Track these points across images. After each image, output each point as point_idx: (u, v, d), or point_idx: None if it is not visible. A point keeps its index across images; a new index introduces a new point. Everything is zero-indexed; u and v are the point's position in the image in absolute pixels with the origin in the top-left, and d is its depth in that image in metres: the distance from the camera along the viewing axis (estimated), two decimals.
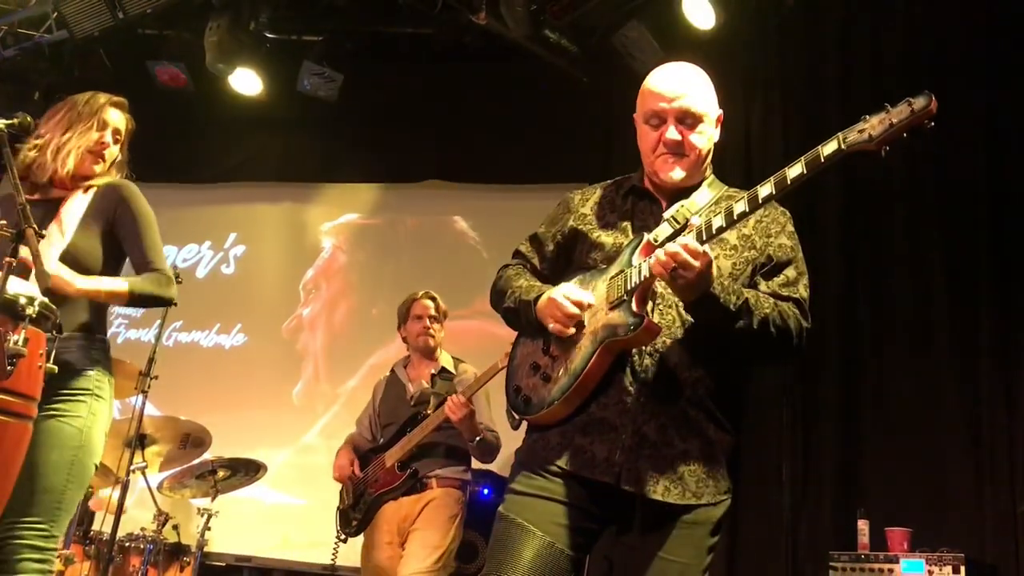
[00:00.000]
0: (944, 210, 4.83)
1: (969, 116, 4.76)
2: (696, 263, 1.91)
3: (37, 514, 2.55)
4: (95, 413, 2.69)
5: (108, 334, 2.91)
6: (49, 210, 2.81)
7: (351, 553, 4.38)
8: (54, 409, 2.59)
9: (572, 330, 2.12)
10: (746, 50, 5.50)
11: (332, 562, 4.44)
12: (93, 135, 2.85)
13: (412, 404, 4.23)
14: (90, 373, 2.71)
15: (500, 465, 5.04)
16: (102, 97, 2.93)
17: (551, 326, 2.13)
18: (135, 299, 2.79)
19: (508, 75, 6.14)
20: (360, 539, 4.19)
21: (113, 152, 2.93)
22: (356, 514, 4.14)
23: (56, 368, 2.44)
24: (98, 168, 2.88)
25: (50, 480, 2.57)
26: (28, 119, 2.61)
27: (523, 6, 5.34)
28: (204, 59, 5.83)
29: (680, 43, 5.18)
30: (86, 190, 2.85)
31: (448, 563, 3.98)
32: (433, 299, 4.40)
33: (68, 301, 2.67)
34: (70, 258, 2.70)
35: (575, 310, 2.11)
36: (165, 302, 2.90)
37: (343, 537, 4.26)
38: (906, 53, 5.06)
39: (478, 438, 3.95)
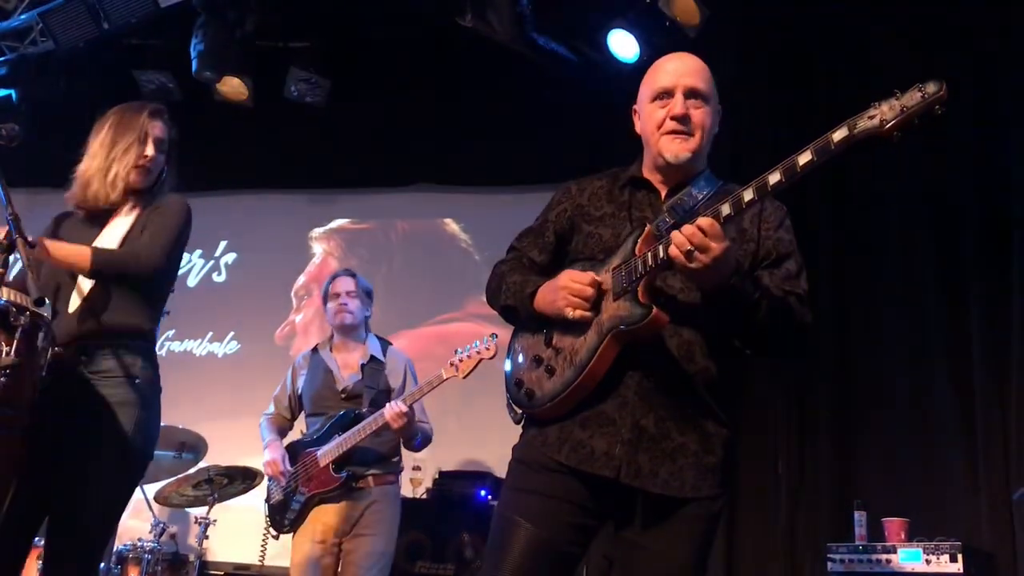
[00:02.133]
0: (934, 205, 4.85)
1: (958, 110, 4.78)
2: (714, 245, 1.89)
3: (84, 528, 2.53)
4: (140, 423, 2.62)
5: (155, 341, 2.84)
6: (94, 228, 2.81)
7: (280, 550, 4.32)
8: (99, 420, 2.56)
9: (590, 314, 2.08)
10: (732, 51, 5.52)
11: (260, 562, 4.33)
12: (135, 149, 2.82)
13: (343, 396, 4.14)
14: (137, 381, 2.66)
15: (498, 466, 5.04)
16: (142, 108, 2.91)
17: (569, 313, 2.08)
18: (98, 263, 2.63)
19: (496, 78, 6.15)
20: (285, 536, 4.16)
21: (159, 162, 2.89)
22: (289, 512, 4.06)
23: (49, 378, 2.44)
24: (145, 181, 2.85)
25: (98, 495, 2.55)
26: (16, 129, 2.62)
27: (509, 8, 5.36)
28: (191, 68, 5.83)
29: (666, 42, 5.19)
30: (132, 208, 2.83)
31: (388, 566, 3.99)
32: (353, 275, 4.31)
33: (109, 303, 2.65)
34: None
35: (589, 290, 2.08)
36: (130, 271, 2.70)
37: (275, 534, 4.17)
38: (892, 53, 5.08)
39: (418, 438, 4.00)
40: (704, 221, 1.90)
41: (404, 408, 3.83)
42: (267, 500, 4.20)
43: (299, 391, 4.29)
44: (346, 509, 3.98)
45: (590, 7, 5.54)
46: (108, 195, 2.79)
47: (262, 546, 4.24)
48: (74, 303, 2.69)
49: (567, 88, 5.85)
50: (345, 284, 4.25)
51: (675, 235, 1.92)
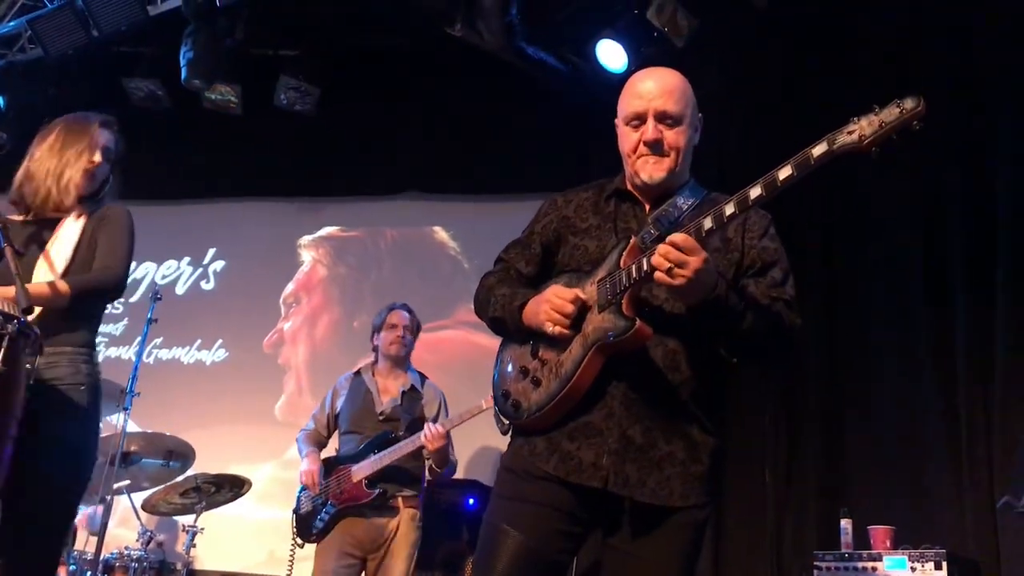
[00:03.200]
0: (920, 212, 4.89)
1: (943, 122, 4.83)
2: (692, 259, 1.91)
3: (39, 533, 2.56)
4: (87, 430, 2.71)
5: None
6: (43, 232, 2.83)
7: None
8: (48, 428, 2.58)
9: (569, 331, 2.10)
10: (721, 58, 5.56)
11: (288, 572, 4.40)
12: (86, 155, 2.87)
13: (381, 419, 4.34)
14: (82, 388, 2.70)
15: (486, 475, 5.05)
16: (92, 117, 2.96)
17: (549, 328, 2.11)
18: (77, 291, 2.68)
19: (484, 86, 6.17)
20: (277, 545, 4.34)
21: (105, 171, 2.93)
22: (317, 523, 4.23)
23: (33, 383, 2.44)
24: (90, 187, 2.89)
25: (51, 501, 2.59)
26: (4, 137, 2.63)
27: (498, 18, 5.38)
28: (180, 76, 5.83)
29: (654, 51, 5.23)
30: (79, 215, 2.85)
31: None
32: (410, 312, 4.55)
33: (53, 314, 2.66)
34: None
35: (569, 306, 2.11)
36: (101, 287, 2.79)
37: (300, 543, 4.33)
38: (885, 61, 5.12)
39: (449, 465, 4.21)
40: (678, 237, 1.94)
41: (443, 430, 4.09)
42: (295, 510, 4.38)
43: (337, 410, 4.51)
44: (375, 527, 4.18)
45: (579, 17, 5.57)
46: (62, 201, 2.83)
47: (290, 556, 4.34)
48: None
49: (556, 97, 5.87)
50: (403, 319, 4.53)
51: (654, 258, 1.95)
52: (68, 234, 2.82)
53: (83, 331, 2.78)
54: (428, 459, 4.25)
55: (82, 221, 2.84)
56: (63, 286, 2.67)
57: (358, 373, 4.58)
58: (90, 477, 2.77)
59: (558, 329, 2.10)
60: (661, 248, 1.94)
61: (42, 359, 2.55)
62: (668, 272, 1.93)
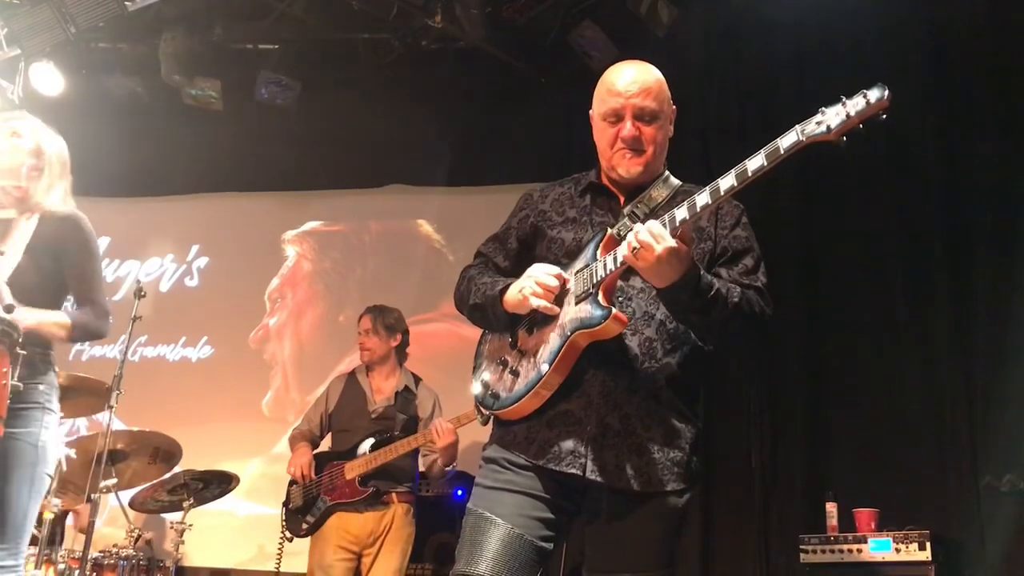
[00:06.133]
0: (899, 196, 4.93)
1: (918, 104, 4.86)
2: (656, 244, 1.95)
3: (4, 534, 2.56)
4: (47, 426, 2.73)
5: (70, 350, 2.94)
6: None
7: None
8: (7, 427, 2.59)
9: (557, 308, 2.13)
10: (701, 45, 5.58)
11: (276, 569, 4.44)
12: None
13: (374, 417, 4.35)
14: (39, 386, 2.73)
15: (474, 466, 5.05)
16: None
17: (533, 302, 2.13)
18: (76, 331, 2.82)
19: (465, 78, 6.16)
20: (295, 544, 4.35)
21: (11, 143, 2.90)
22: (308, 517, 4.26)
23: (21, 385, 2.44)
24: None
25: (13, 500, 2.60)
26: None
27: (478, 9, 5.38)
28: (159, 71, 5.79)
29: (635, 40, 5.24)
30: (30, 216, 2.85)
31: None
32: (376, 311, 4.52)
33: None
34: (16, 285, 2.70)
35: (554, 281, 2.13)
36: (101, 335, 2.97)
37: (289, 537, 4.36)
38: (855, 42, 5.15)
39: (451, 466, 4.24)
40: (648, 224, 1.98)
41: (453, 427, 4.11)
42: (285, 504, 4.40)
43: (331, 409, 4.52)
44: (370, 522, 4.21)
45: (560, 7, 5.58)
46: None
47: (279, 550, 4.36)
48: None
49: (538, 88, 5.88)
50: (362, 323, 4.53)
51: (628, 237, 2.00)
52: (19, 237, 2.82)
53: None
54: (435, 456, 4.25)
55: (33, 223, 2.84)
56: (64, 319, 2.78)
57: (352, 374, 4.59)
58: (43, 494, 2.79)
59: (542, 303, 2.12)
60: (635, 230, 1.98)
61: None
62: (635, 252, 1.97)
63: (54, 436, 2.78)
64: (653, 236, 1.96)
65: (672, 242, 1.96)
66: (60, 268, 2.84)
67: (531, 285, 2.14)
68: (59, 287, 2.87)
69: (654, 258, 1.95)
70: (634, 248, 1.97)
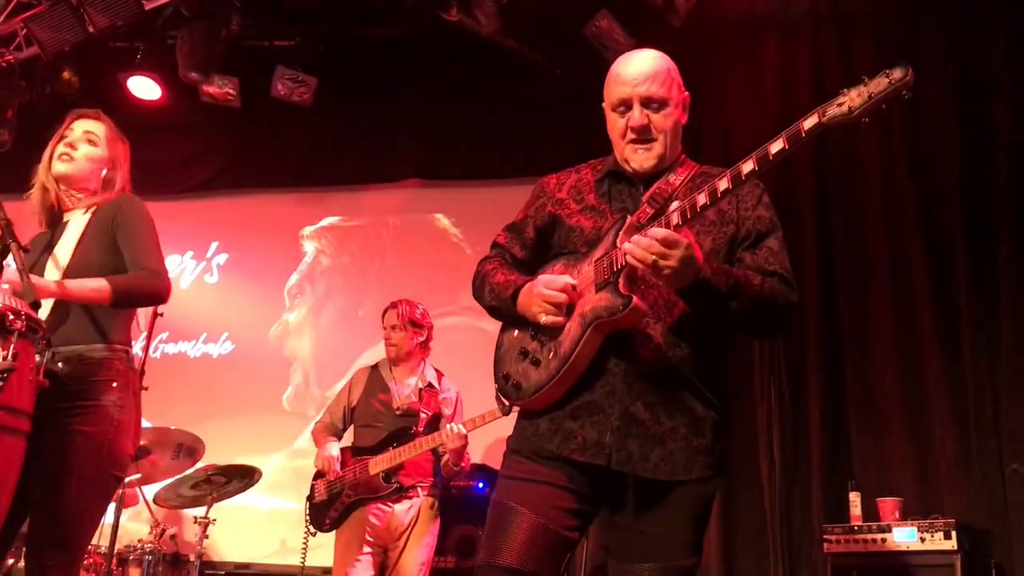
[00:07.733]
0: (918, 180, 4.88)
1: (942, 91, 4.82)
2: (675, 251, 1.93)
3: (61, 533, 2.55)
4: (117, 426, 2.66)
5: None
6: (55, 233, 2.87)
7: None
8: (76, 423, 2.58)
9: (563, 319, 2.13)
10: (722, 35, 5.55)
11: (302, 564, 4.43)
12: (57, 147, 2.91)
13: (398, 413, 4.36)
14: (113, 384, 2.68)
15: (496, 460, 5.07)
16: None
17: (543, 319, 2.14)
18: (119, 296, 2.68)
19: (481, 71, 6.16)
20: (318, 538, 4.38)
21: (86, 151, 2.91)
22: (332, 512, 4.28)
23: (47, 382, 2.45)
24: (67, 168, 2.87)
25: (74, 498, 2.56)
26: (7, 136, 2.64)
27: (494, 2, 5.36)
28: (177, 69, 5.82)
29: (650, 31, 5.21)
30: (86, 210, 2.87)
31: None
32: (402, 305, 4.50)
33: (83, 312, 2.68)
34: (73, 277, 2.70)
35: (561, 296, 2.13)
36: (154, 298, 2.84)
37: (313, 532, 4.37)
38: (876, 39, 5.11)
39: (460, 466, 4.22)
40: (659, 232, 1.95)
41: (464, 431, 4.12)
42: (309, 498, 4.42)
43: (353, 403, 4.50)
44: (394, 517, 4.22)
45: None
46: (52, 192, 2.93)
47: (304, 544, 4.38)
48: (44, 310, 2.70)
49: (553, 80, 5.86)
50: (388, 319, 4.50)
51: (631, 249, 1.98)
52: (72, 231, 2.84)
53: (109, 324, 2.75)
54: (444, 455, 4.26)
55: (87, 216, 2.85)
56: (102, 284, 2.64)
57: (376, 367, 4.58)
58: (111, 496, 2.75)
59: (551, 319, 2.14)
60: (644, 242, 1.95)
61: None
62: (653, 266, 1.95)
63: (127, 437, 2.69)
64: (666, 244, 1.94)
65: (687, 244, 1.94)
66: (113, 242, 2.80)
67: (539, 303, 2.14)
68: (120, 264, 2.80)
69: (676, 263, 1.94)
70: (652, 262, 1.95)
